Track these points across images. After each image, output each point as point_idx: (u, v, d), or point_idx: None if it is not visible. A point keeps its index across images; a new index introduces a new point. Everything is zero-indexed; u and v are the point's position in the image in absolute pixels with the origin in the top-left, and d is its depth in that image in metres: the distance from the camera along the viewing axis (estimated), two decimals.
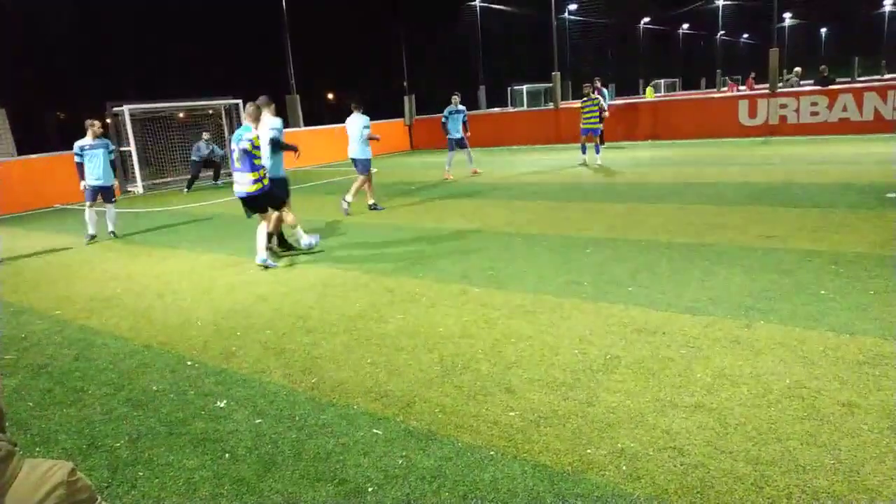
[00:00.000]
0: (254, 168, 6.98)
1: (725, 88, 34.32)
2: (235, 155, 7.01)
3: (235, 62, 41.61)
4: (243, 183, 7.07)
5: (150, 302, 6.23)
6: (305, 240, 7.67)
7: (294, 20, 22.78)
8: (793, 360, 3.81)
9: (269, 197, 7.28)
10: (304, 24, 30.41)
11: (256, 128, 7.09)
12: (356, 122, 10.33)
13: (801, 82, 21.43)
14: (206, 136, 16.96)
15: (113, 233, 10.06)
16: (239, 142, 6.91)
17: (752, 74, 30.45)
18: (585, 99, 14.67)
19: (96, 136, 9.65)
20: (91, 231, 9.80)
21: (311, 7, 35.78)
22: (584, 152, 15.18)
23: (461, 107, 14.61)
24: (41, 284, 7.34)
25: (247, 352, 4.70)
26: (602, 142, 16.24)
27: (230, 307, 5.83)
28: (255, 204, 7.24)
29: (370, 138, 10.33)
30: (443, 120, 14.62)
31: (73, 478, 1.20)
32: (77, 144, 9.62)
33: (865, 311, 4.49)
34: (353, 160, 10.50)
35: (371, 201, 10.71)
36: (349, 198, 10.51)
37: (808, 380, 3.56)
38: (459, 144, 14.63)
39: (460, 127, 14.58)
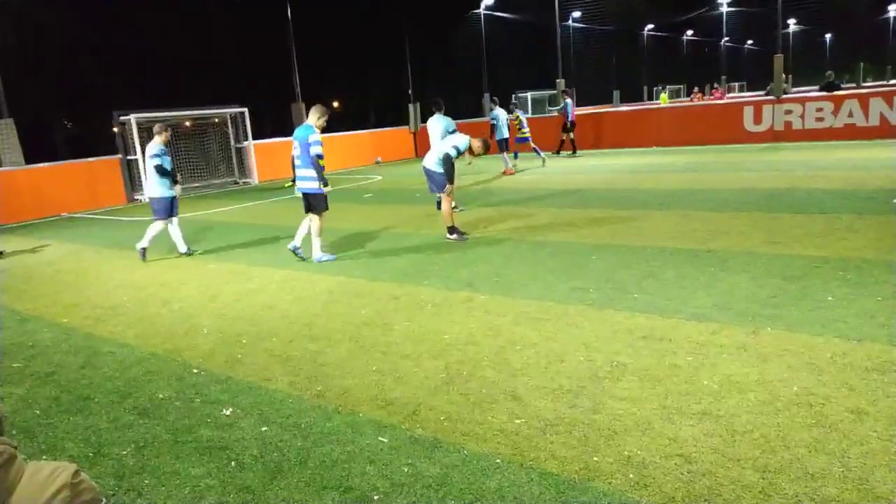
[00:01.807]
0: (317, 169, 7.39)
1: (692, 97, 35.32)
2: (297, 152, 7.47)
3: (241, 70, 41.84)
4: (307, 179, 7.50)
5: (157, 310, 6.25)
6: (319, 254, 7.75)
7: (299, 28, 22.92)
8: (800, 367, 3.79)
9: (322, 198, 7.57)
10: (310, 32, 30.59)
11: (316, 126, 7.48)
12: (439, 125, 10.41)
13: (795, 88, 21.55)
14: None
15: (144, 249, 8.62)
16: (306, 143, 7.31)
17: (716, 85, 32.04)
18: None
19: (165, 144, 8.54)
20: (183, 248, 8.77)
21: (316, 15, 35.97)
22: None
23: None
24: (48, 292, 7.37)
25: (253, 359, 4.70)
26: (567, 149, 19.34)
27: (236, 315, 5.84)
28: (312, 201, 7.58)
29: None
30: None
31: (77, 479, 1.20)
32: (160, 147, 8.37)
33: (873, 317, 4.47)
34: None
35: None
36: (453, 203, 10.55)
37: (815, 387, 3.54)
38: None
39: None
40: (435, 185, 8.38)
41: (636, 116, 22.07)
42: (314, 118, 7.51)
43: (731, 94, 48.86)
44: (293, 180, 8.04)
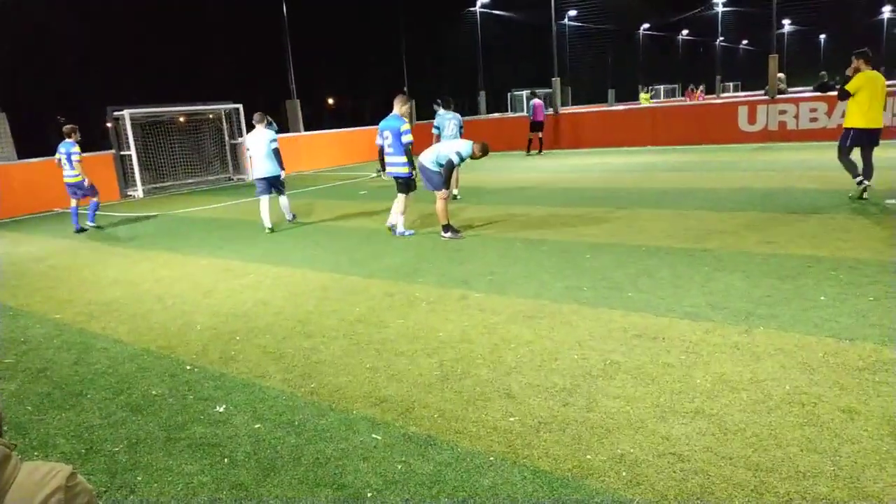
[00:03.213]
0: (408, 154, 8.31)
1: (686, 96, 36.96)
2: (388, 141, 8.39)
3: (236, 67, 41.69)
4: (397, 165, 8.43)
5: (150, 306, 6.23)
6: (401, 228, 8.72)
7: (294, 25, 22.85)
8: (792, 366, 3.81)
9: (410, 182, 8.48)
10: (305, 29, 30.49)
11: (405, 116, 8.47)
12: (453, 121, 10.81)
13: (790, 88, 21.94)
14: (268, 118, 17.82)
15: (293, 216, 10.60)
16: (398, 132, 8.30)
17: (692, 87, 35.01)
18: None
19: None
20: (290, 216, 10.56)
21: (311, 12, 35.85)
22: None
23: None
24: (41, 288, 7.34)
25: (246, 356, 4.69)
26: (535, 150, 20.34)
27: (230, 311, 5.82)
28: (403, 183, 8.50)
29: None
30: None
31: (72, 482, 1.19)
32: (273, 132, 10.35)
33: (865, 317, 4.49)
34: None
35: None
36: (455, 190, 11.42)
37: (807, 386, 3.56)
38: None
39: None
40: (430, 183, 8.39)
41: (629, 115, 22.10)
42: (398, 107, 8.43)
43: (725, 94, 49.04)
44: (382, 167, 8.99)
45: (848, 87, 8.69)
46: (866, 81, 8.54)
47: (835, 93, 17.98)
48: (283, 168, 9.94)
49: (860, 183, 8.71)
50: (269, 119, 11.39)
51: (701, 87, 38.00)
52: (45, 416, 3.96)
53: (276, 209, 10.41)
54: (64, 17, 34.56)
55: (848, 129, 8.81)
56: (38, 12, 32.29)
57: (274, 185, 9.96)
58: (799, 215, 8.06)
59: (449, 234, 8.27)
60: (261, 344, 4.92)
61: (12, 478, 1.13)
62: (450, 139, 10.50)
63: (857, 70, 8.68)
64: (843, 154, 8.87)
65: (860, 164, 8.76)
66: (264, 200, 9.87)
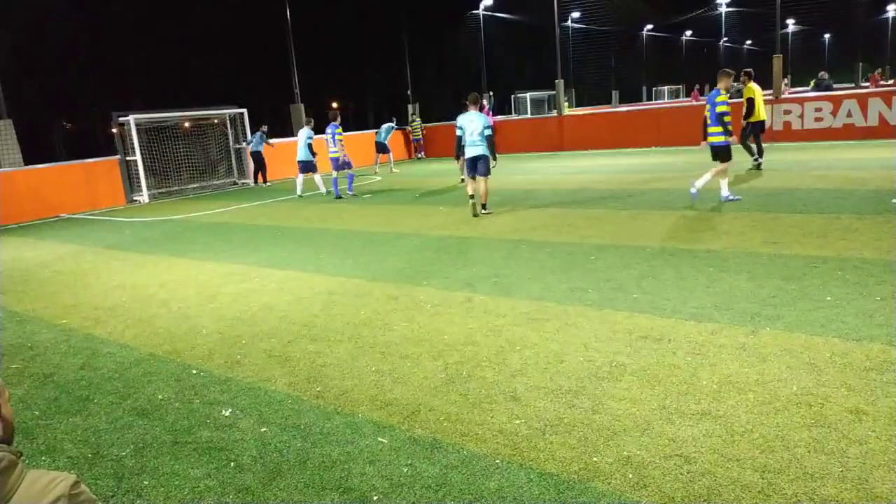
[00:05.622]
0: (723, 125, 9.23)
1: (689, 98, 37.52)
2: (707, 113, 9.43)
3: (240, 71, 41.82)
4: (714, 135, 9.36)
5: (156, 310, 6.25)
6: (726, 192, 9.42)
7: (298, 29, 22.91)
8: (799, 367, 3.80)
9: (727, 150, 9.35)
10: (309, 33, 30.56)
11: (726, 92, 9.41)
12: (478, 121, 9.99)
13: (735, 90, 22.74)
14: (264, 128, 18.46)
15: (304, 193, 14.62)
16: (713, 104, 9.27)
17: (697, 87, 36.77)
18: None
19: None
20: (299, 192, 14.69)
21: (315, 16, 35.95)
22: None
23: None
24: (47, 294, 7.37)
25: (252, 360, 4.70)
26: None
27: (235, 315, 5.84)
28: (718, 152, 9.41)
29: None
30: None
31: (76, 490, 1.19)
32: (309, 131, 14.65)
33: (872, 317, 4.47)
34: (476, 158, 9.95)
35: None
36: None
37: (814, 387, 3.54)
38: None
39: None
40: (484, 167, 9.72)
41: (634, 116, 22.08)
42: (720, 84, 9.31)
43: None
44: (704, 137, 9.71)
45: (748, 97, 13.04)
46: (754, 91, 13.05)
47: (834, 93, 18.16)
48: (314, 155, 14.45)
49: (756, 160, 12.84)
50: (310, 119, 14.73)
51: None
52: (52, 421, 3.98)
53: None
54: (66, 21, 34.72)
55: (748, 123, 13.05)
56: (39, 14, 32.44)
57: (308, 167, 14.39)
58: (804, 215, 8.03)
59: (487, 210, 9.94)
60: (266, 348, 4.93)
61: (17, 485, 1.13)
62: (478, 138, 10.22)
63: (745, 83, 13.26)
64: (745, 139, 13.13)
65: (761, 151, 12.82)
66: (300, 177, 14.70)
